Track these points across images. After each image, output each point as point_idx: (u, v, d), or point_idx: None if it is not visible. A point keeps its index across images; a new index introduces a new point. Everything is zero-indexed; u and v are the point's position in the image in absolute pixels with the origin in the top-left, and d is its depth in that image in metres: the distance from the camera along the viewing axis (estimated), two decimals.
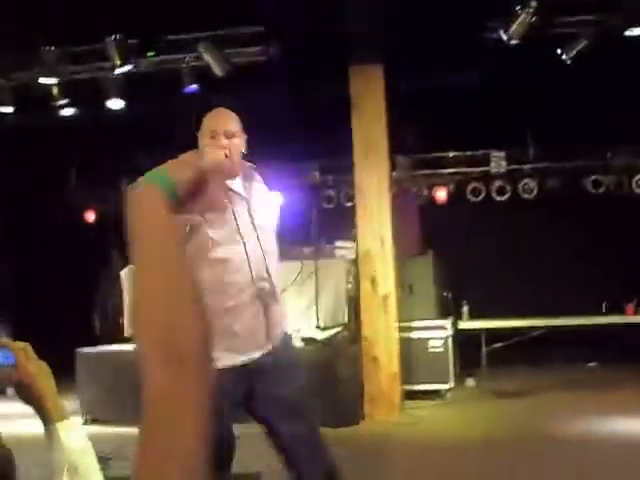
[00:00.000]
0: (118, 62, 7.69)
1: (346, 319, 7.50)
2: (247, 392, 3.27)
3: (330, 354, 6.74)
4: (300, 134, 9.61)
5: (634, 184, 10.61)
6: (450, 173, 10.85)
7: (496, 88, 8.79)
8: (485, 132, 9.91)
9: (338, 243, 7.83)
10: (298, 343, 6.92)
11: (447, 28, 7.04)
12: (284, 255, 7.62)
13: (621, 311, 9.58)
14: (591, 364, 10.14)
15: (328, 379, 6.54)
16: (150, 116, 8.96)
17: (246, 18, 7.78)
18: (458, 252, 9.73)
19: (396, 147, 7.91)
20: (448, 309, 9.07)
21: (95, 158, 10.73)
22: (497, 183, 10.71)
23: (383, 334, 7.11)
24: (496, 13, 7.15)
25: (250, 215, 3.30)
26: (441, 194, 10.81)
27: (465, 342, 9.06)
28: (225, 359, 3.09)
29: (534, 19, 6.91)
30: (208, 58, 7.76)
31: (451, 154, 10.84)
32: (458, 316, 9.41)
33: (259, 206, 3.37)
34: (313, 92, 9.04)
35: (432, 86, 8.69)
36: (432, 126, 9.32)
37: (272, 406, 3.30)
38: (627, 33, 7.12)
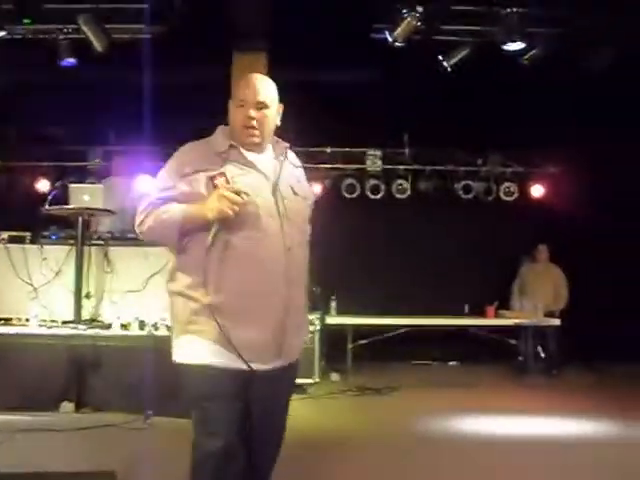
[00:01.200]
0: None
1: None
2: (245, 401, 2.92)
3: None
4: (176, 117, 9.41)
5: (502, 191, 10.99)
6: (327, 168, 10.91)
7: (378, 88, 8.89)
8: (364, 130, 10.01)
9: None
10: (164, 331, 6.78)
11: (335, 24, 7.06)
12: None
13: (482, 313, 9.92)
14: (452, 363, 10.45)
15: None
16: (23, 87, 8.55)
17: None
18: (329, 247, 9.78)
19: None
20: (316, 304, 9.11)
21: None
22: (372, 181, 10.85)
23: None
24: (384, 15, 7.23)
25: (275, 198, 2.90)
26: (316, 188, 10.85)
27: (332, 337, 9.14)
28: (224, 358, 2.83)
29: (419, 24, 7.03)
30: (88, 32, 7.48)
31: (329, 149, 10.90)
32: (326, 311, 9.48)
33: (288, 190, 2.97)
34: (192, 74, 8.87)
35: (314, 80, 8.70)
36: (312, 120, 9.33)
37: (258, 429, 2.99)
38: (505, 47, 7.36)
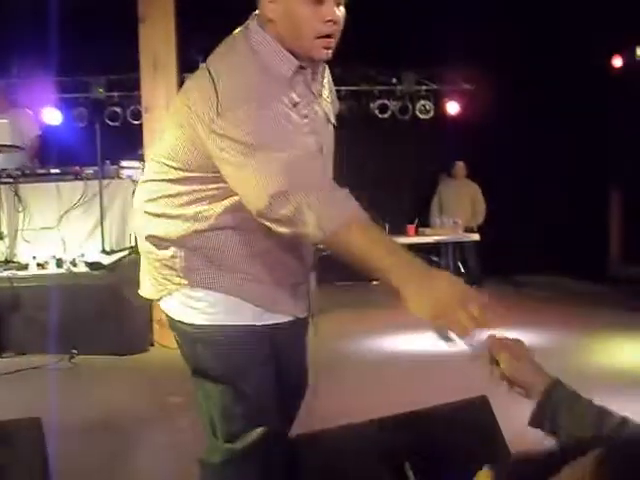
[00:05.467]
0: None
1: (133, 243, 7.26)
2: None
3: (117, 279, 6.48)
4: (84, 46, 9.04)
5: (417, 109, 11.00)
6: None
7: None
8: None
9: (124, 163, 7.49)
10: (83, 268, 6.64)
11: None
12: (64, 175, 7.24)
13: (403, 232, 10.00)
14: (375, 283, 10.56)
15: (115, 305, 6.32)
16: None
17: None
18: None
19: (185, 65, 7.62)
20: None
21: None
22: None
23: None
24: None
25: (327, 119, 2.20)
26: None
27: None
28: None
29: None
30: None
31: None
32: None
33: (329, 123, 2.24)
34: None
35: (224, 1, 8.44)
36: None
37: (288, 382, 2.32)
38: None
